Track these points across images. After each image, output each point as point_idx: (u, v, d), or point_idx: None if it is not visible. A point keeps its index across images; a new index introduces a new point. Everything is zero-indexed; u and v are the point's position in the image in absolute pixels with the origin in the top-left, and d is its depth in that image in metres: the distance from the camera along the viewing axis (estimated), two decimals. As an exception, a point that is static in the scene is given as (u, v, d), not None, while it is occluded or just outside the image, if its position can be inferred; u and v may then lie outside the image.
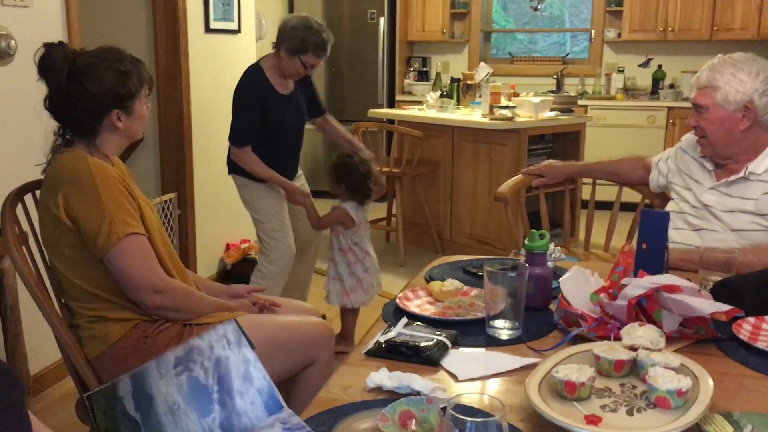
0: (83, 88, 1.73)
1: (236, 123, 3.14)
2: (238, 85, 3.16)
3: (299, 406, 1.31)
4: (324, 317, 3.34)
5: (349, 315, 3.34)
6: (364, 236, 3.22)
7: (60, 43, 1.77)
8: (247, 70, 3.20)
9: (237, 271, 4.24)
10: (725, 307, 1.38)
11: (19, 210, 1.88)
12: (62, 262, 1.76)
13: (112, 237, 1.68)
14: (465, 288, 1.69)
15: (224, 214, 4.27)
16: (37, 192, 1.84)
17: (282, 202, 3.29)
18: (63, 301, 1.84)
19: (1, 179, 2.54)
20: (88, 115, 1.76)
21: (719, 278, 1.64)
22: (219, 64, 4.16)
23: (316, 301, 3.89)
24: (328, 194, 3.24)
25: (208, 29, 4.04)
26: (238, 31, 4.33)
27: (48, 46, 1.75)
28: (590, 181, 2.71)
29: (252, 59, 4.41)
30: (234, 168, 3.25)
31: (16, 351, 2.54)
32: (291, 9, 6.74)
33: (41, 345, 2.73)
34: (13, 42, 2.64)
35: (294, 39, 3.04)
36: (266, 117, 3.12)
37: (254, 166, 3.15)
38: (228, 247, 4.39)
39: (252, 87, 3.11)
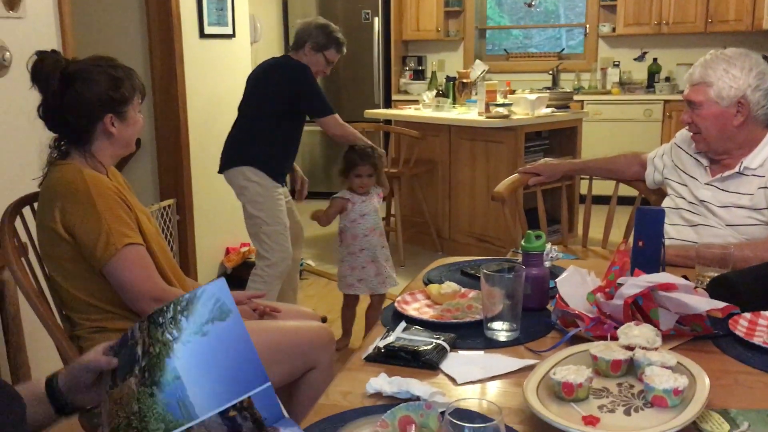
0: (76, 92, 1.74)
1: (319, 96, 3.29)
2: (293, 72, 3.26)
3: (301, 410, 1.32)
4: (324, 320, 3.36)
5: (350, 307, 3.38)
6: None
7: (53, 51, 1.78)
8: (290, 60, 3.32)
9: (237, 275, 4.24)
10: (721, 304, 1.39)
11: (19, 222, 1.89)
12: (61, 274, 1.76)
13: (110, 248, 1.69)
14: (463, 290, 1.70)
15: (223, 218, 4.28)
16: (36, 204, 1.85)
17: (285, 205, 3.31)
18: (64, 312, 1.85)
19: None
20: (82, 121, 1.76)
21: (716, 274, 1.65)
22: (214, 69, 4.17)
23: (316, 303, 3.91)
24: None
25: (202, 34, 4.04)
26: (233, 35, 4.34)
27: (40, 53, 1.76)
28: (587, 177, 2.72)
29: (247, 63, 4.43)
30: (250, 160, 3.25)
31: (19, 361, 2.55)
32: (285, 12, 6.75)
33: (44, 355, 2.74)
34: (8, 54, 2.65)
35: (319, 36, 3.27)
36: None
37: (351, 129, 3.35)
38: (228, 251, 4.40)
39: (309, 68, 3.27)
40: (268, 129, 3.26)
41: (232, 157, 3.30)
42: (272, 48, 6.48)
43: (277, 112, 3.25)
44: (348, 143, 3.31)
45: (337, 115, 3.30)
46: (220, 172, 3.35)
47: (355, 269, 3.23)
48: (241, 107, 3.39)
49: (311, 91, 3.26)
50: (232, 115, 3.46)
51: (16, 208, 1.89)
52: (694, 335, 1.43)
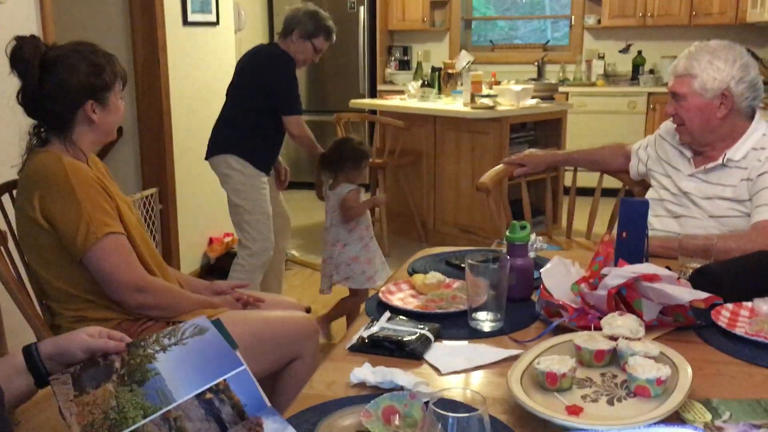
0: (57, 78, 1.71)
1: (289, 94, 3.22)
2: (273, 61, 3.21)
3: (285, 401, 1.32)
4: (308, 311, 3.33)
5: (346, 300, 3.33)
6: (366, 219, 3.23)
7: (32, 36, 1.75)
8: (274, 49, 3.28)
9: (221, 265, 4.22)
10: (704, 295, 1.39)
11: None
12: (41, 264, 1.74)
13: (90, 237, 1.66)
14: (447, 280, 1.70)
15: (207, 208, 4.25)
16: (15, 192, 1.82)
17: (269, 194, 3.29)
18: (44, 302, 1.82)
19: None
20: (62, 107, 1.73)
21: (699, 265, 1.66)
22: (198, 57, 4.13)
23: (300, 293, 3.90)
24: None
25: (186, 22, 4.00)
26: (217, 23, 4.29)
27: (19, 38, 1.73)
28: (572, 168, 2.73)
29: (231, 51, 4.39)
30: (234, 149, 3.21)
31: (-1, 351, 2.52)
32: (270, 0, 6.70)
33: (24, 344, 2.71)
34: (-14, 39, 2.60)
35: (307, 23, 3.22)
36: None
37: (310, 134, 3.28)
38: (211, 241, 4.37)
39: (292, 61, 3.22)
40: (252, 118, 3.23)
41: (217, 144, 3.28)
42: (257, 36, 6.43)
43: (258, 101, 3.22)
44: (303, 147, 3.29)
45: (302, 117, 3.26)
46: (206, 158, 3.32)
47: (372, 260, 3.19)
48: (228, 93, 3.36)
49: (286, 85, 3.21)
50: (216, 103, 3.42)
51: (-6, 196, 1.86)
52: (677, 325, 1.43)
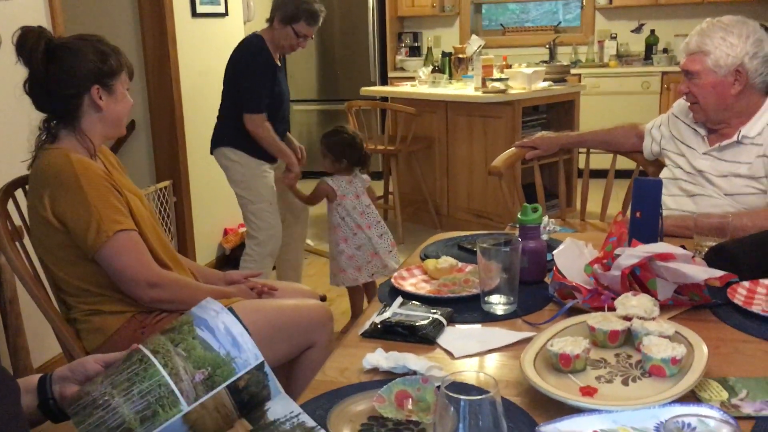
0: (63, 63, 1.72)
1: (251, 90, 3.09)
2: (241, 54, 3.13)
3: (299, 389, 1.32)
4: (323, 299, 3.35)
5: (353, 293, 3.33)
6: (352, 211, 3.17)
7: (38, 26, 1.76)
8: (248, 39, 3.18)
9: (236, 255, 4.22)
10: (719, 273, 1.38)
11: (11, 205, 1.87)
12: (54, 260, 1.75)
13: (101, 235, 1.67)
14: (460, 265, 1.69)
15: (221, 199, 4.26)
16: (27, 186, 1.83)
17: (272, 182, 3.29)
18: (60, 296, 1.84)
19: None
20: (68, 92, 1.74)
21: (714, 244, 1.64)
22: (207, 48, 4.13)
23: (316, 282, 3.90)
24: (323, 174, 3.23)
25: (195, 13, 4.00)
26: (226, 14, 4.29)
27: (25, 27, 1.74)
28: (585, 150, 2.70)
29: (240, 42, 4.38)
30: (229, 141, 3.19)
31: (18, 345, 2.55)
32: (278, -11, 6.67)
33: (43, 338, 2.74)
34: (-4, 34, 2.61)
35: (287, 8, 3.07)
36: (272, 86, 3.13)
37: (270, 135, 3.14)
38: (226, 232, 4.39)
39: (262, 54, 3.10)
40: (239, 109, 3.16)
41: (216, 137, 3.29)
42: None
43: (235, 93, 3.16)
44: (263, 145, 3.17)
45: (264, 116, 3.12)
46: (211, 153, 3.33)
47: (380, 249, 3.22)
48: (223, 86, 3.33)
49: (249, 81, 3.08)
50: (227, 94, 3.42)
51: (8, 191, 1.87)
52: (692, 304, 1.42)
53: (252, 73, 3.09)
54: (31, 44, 1.70)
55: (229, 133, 3.21)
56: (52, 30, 2.84)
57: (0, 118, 2.68)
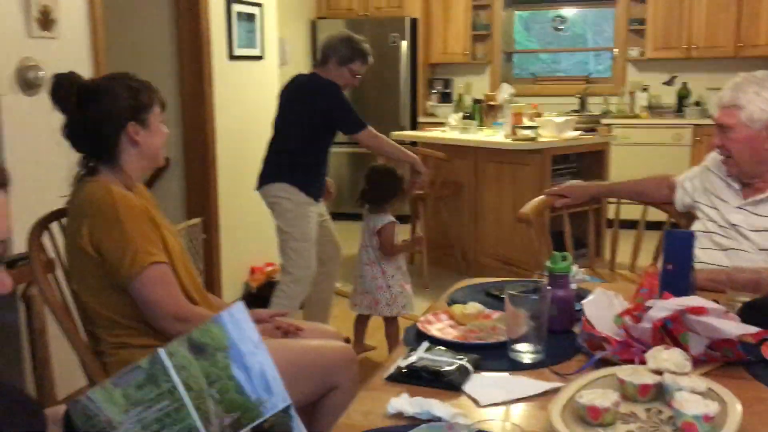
0: (97, 105, 1.78)
1: (349, 112, 3.30)
2: (325, 89, 3.27)
3: (322, 431, 1.31)
4: (348, 341, 3.32)
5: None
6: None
7: (70, 72, 1.82)
8: (320, 79, 3.32)
9: (262, 294, 4.24)
10: (754, 329, 1.35)
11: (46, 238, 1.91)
12: (87, 290, 1.78)
13: (135, 266, 1.70)
14: (487, 311, 1.67)
15: (249, 237, 4.30)
16: (63, 219, 1.87)
17: (315, 223, 3.33)
18: (88, 328, 1.85)
19: (28, 207, 2.56)
20: (106, 132, 1.78)
21: (748, 299, 1.61)
22: (243, 90, 4.22)
23: (339, 324, 3.89)
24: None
25: (232, 56, 4.10)
26: (262, 57, 4.39)
27: (58, 75, 1.80)
28: (615, 200, 2.69)
29: (275, 84, 4.47)
30: (284, 176, 3.28)
31: (44, 376, 2.56)
32: (314, 35, 6.81)
33: (69, 370, 2.75)
34: (41, 73, 2.70)
35: (342, 50, 3.29)
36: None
37: (387, 139, 3.39)
38: (253, 270, 4.41)
39: (334, 84, 3.29)
40: (300, 145, 3.29)
41: (267, 174, 3.35)
42: (301, 70, 6.50)
43: (308, 129, 3.27)
44: (382, 155, 3.45)
45: (370, 128, 3.33)
46: (256, 189, 3.38)
47: (407, 283, 3.35)
48: (275, 124, 3.42)
49: (343, 108, 3.28)
50: (260, 135, 3.48)
51: (43, 223, 1.91)
52: (725, 361, 1.39)
53: (341, 100, 3.28)
54: (64, 90, 1.76)
55: (285, 168, 3.29)
56: (95, 70, 2.93)
57: (41, 152, 2.75)
